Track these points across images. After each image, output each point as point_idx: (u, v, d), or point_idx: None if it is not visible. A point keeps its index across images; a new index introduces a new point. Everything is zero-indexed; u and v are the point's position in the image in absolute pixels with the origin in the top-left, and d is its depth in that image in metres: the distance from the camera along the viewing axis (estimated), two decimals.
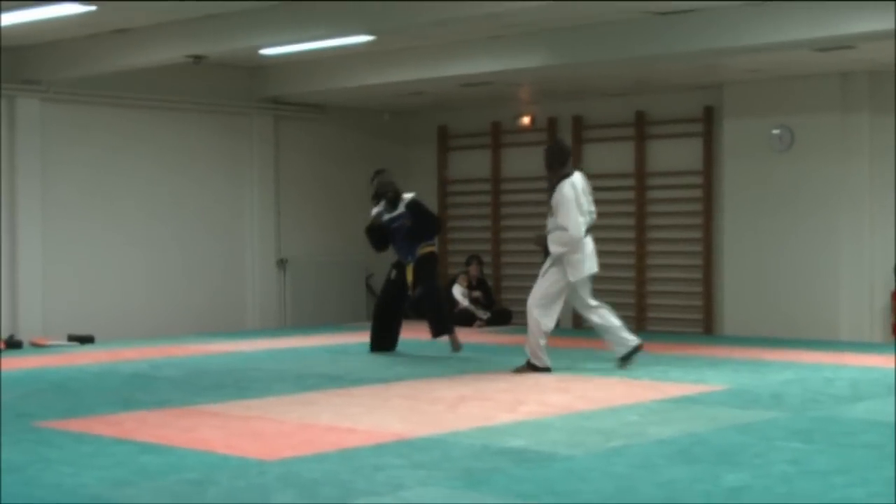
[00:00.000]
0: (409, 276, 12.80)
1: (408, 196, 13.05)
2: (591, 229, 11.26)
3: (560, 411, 8.66)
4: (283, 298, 16.68)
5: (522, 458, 6.83)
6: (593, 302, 11.32)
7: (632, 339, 11.21)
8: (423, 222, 12.89)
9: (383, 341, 13.02)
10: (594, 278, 11.41)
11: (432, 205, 18.05)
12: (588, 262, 11.19)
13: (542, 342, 11.05)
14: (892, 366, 11.63)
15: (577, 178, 11.13)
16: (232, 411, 8.72)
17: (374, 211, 13.09)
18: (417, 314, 13.42)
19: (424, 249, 12.83)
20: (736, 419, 8.29)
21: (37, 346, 13.67)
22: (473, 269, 16.91)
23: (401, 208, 12.88)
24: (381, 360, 12.36)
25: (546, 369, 11.00)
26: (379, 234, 13.04)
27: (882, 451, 7.06)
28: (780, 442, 7.37)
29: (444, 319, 12.88)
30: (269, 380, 10.61)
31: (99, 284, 14.73)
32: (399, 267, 12.98)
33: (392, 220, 12.90)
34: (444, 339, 12.83)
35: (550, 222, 11.15)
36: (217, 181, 16.02)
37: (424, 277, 12.80)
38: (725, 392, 9.73)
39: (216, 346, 13.84)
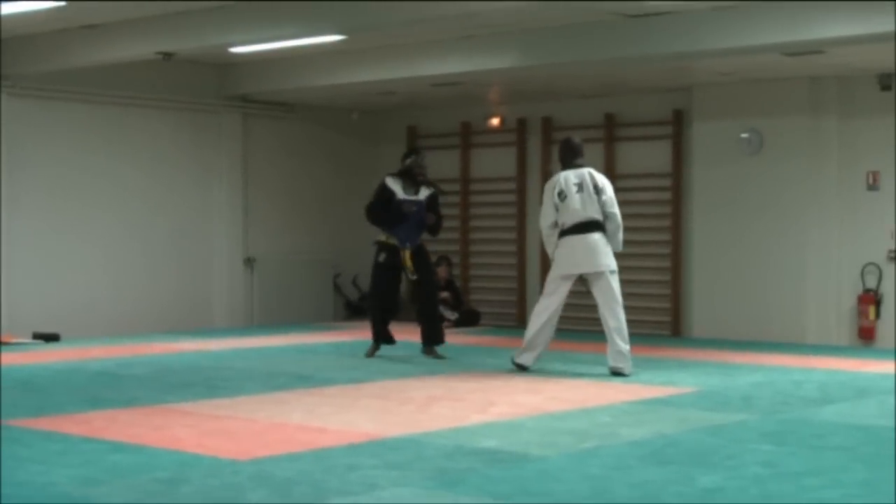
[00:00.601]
0: (408, 262, 12.25)
1: (429, 189, 12.50)
2: (587, 226, 11.04)
3: (532, 412, 8.66)
4: (250, 297, 16.61)
5: (495, 459, 6.82)
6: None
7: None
8: (434, 219, 12.43)
9: (388, 335, 12.49)
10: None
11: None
12: (569, 259, 11.05)
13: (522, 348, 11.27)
14: (860, 369, 11.72)
15: (570, 175, 11.07)
16: (202, 410, 8.67)
17: (390, 184, 12.42)
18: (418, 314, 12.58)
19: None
20: (707, 421, 8.30)
21: (1, 343, 13.55)
22: (443, 271, 16.87)
23: (422, 196, 12.34)
24: (350, 359, 12.31)
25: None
26: (388, 211, 12.33)
27: (853, 454, 7.09)
28: (751, 444, 7.39)
29: (440, 329, 12.53)
30: (238, 378, 10.56)
31: (64, 282, 14.62)
32: (390, 250, 12.35)
33: (409, 202, 12.30)
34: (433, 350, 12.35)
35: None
36: (185, 179, 15.93)
37: (427, 275, 12.45)
38: (695, 394, 9.76)
39: (183, 344, 13.76)
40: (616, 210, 11.10)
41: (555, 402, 9.19)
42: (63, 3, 11.37)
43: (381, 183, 12.57)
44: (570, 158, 11.28)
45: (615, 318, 10.93)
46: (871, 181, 14.20)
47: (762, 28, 11.65)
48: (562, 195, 10.99)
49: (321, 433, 7.70)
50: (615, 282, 11.05)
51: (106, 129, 15.09)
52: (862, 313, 14.13)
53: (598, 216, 11.02)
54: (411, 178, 12.41)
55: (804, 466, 6.67)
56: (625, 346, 10.85)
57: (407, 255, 12.27)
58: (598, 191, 11.02)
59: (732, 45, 11.97)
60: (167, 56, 12.99)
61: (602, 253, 11.00)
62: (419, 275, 12.33)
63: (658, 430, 7.88)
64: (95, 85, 14.75)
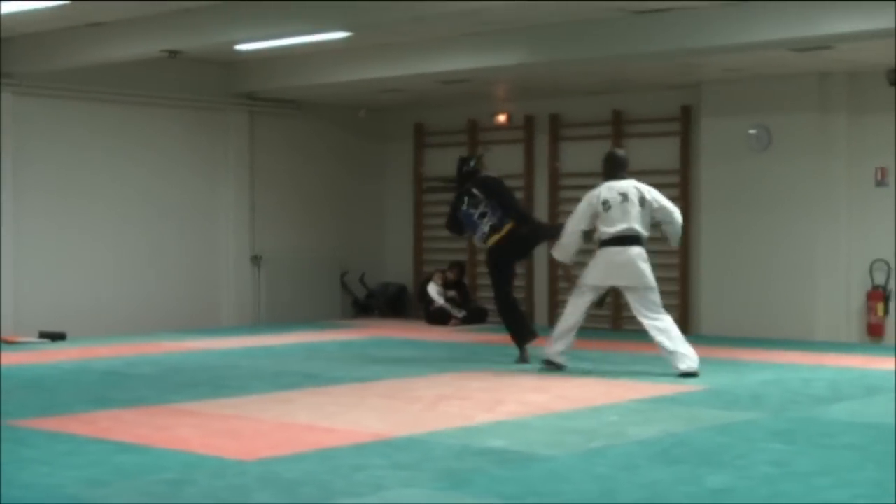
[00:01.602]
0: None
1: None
2: (627, 240, 10.95)
3: (539, 411, 8.61)
4: (257, 295, 16.58)
5: (503, 459, 6.78)
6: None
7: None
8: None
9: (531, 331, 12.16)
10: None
11: (408, 202, 18.06)
12: (606, 271, 10.99)
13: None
14: (870, 366, 11.66)
15: (615, 185, 10.98)
16: (208, 410, 8.64)
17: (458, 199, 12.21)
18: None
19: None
20: (716, 420, 8.25)
21: (8, 343, 13.52)
22: (453, 274, 16.87)
23: (482, 206, 11.95)
24: (358, 358, 12.27)
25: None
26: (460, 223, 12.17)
27: (863, 453, 7.04)
28: (761, 443, 7.34)
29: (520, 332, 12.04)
30: (245, 378, 10.53)
31: (71, 281, 14.60)
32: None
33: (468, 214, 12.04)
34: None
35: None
36: (191, 177, 15.90)
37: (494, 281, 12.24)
38: (705, 392, 9.70)
39: (190, 343, 13.73)
40: (668, 207, 11.13)
41: (563, 401, 9.14)
42: (66, 2, 11.33)
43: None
44: (615, 171, 11.14)
45: (653, 326, 10.82)
46: (879, 177, 14.14)
47: (770, 24, 11.59)
48: (606, 204, 10.86)
49: (328, 433, 7.66)
50: (653, 294, 10.93)
51: (112, 127, 15.06)
52: (871, 310, 14.07)
53: (640, 229, 10.94)
54: (481, 184, 12.13)
55: (814, 466, 6.61)
56: (672, 346, 10.69)
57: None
58: (642, 203, 10.91)
59: (740, 41, 11.92)
60: (173, 54, 12.96)
61: (640, 268, 10.91)
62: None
63: (666, 428, 7.83)
64: (101, 83, 14.72)
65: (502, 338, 14.04)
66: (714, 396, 9.45)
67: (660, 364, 11.52)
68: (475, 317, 16.60)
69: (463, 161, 12.57)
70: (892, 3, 10.77)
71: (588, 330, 15.11)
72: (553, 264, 16.52)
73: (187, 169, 15.84)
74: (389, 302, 17.87)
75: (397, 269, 18.22)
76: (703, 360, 11.14)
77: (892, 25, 10.93)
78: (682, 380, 10.40)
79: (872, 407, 8.96)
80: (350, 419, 8.23)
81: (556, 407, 8.83)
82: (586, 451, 7.07)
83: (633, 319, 15.67)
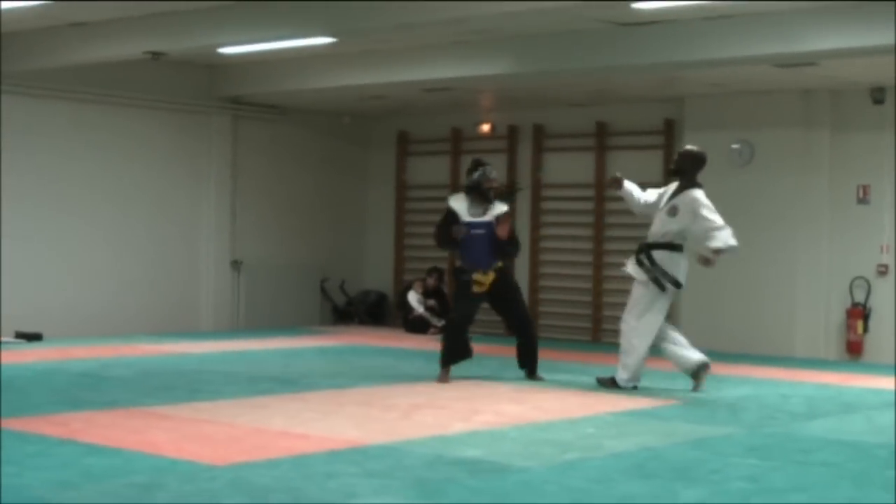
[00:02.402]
0: (485, 283, 11.06)
1: (502, 207, 11.28)
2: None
3: (515, 422, 8.56)
4: (236, 300, 16.51)
5: (477, 469, 6.72)
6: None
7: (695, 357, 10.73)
8: (507, 241, 11.27)
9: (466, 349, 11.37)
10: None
11: (390, 210, 18.00)
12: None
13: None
14: (848, 384, 11.65)
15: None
16: (182, 414, 8.57)
17: (453, 205, 11.28)
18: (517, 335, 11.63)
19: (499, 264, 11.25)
20: (692, 434, 8.22)
21: None
22: (433, 280, 16.81)
23: (490, 216, 11.13)
24: (335, 365, 12.21)
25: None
26: (450, 235, 11.16)
27: (839, 470, 7.01)
28: (736, 458, 7.30)
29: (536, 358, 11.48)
30: (220, 382, 10.46)
31: (49, 281, 14.50)
32: (468, 276, 11.12)
33: (476, 225, 11.14)
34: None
35: (663, 222, 10.64)
36: (173, 180, 15.82)
37: (514, 302, 11.43)
38: (681, 406, 9.67)
39: (168, 346, 13.66)
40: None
41: (539, 412, 9.10)
42: (50, 2, 11.27)
43: (447, 208, 11.38)
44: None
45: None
46: (861, 195, 14.14)
47: (755, 39, 11.60)
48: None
49: (302, 439, 7.60)
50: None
51: (93, 128, 14.97)
52: (850, 327, 14.07)
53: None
54: (480, 194, 11.18)
55: (789, 482, 6.58)
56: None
57: (485, 278, 11.04)
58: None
59: (725, 55, 11.92)
60: (156, 56, 12.90)
61: None
62: (504, 301, 11.33)
63: (642, 442, 7.79)
64: (83, 83, 14.64)
65: (480, 347, 13.99)
66: (691, 411, 9.42)
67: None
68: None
69: (477, 166, 11.37)
70: (877, 21, 10.79)
71: (567, 342, 15.18)
72: (534, 276, 16.52)
73: (169, 172, 15.76)
74: (369, 310, 17.81)
75: (378, 276, 18.16)
76: (682, 374, 11.13)
77: (876, 43, 10.95)
78: (660, 393, 10.36)
79: (849, 425, 8.95)
80: (324, 426, 8.17)
81: (532, 418, 8.79)
82: (561, 463, 7.02)
83: (612, 332, 15.74)
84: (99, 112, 14.99)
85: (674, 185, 10.78)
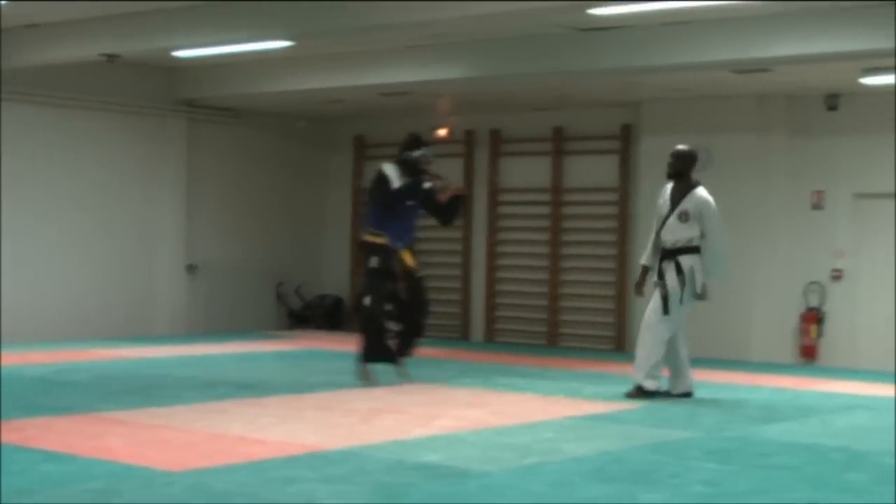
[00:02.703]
0: (409, 261, 10.83)
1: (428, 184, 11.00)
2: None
3: (475, 426, 8.55)
4: (192, 304, 16.41)
5: (437, 474, 6.70)
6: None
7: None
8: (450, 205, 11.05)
9: (389, 351, 10.98)
10: None
11: (347, 214, 17.94)
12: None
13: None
14: (803, 388, 11.73)
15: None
16: (138, 419, 8.49)
17: (388, 172, 10.81)
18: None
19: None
20: (651, 438, 8.23)
21: None
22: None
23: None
24: (292, 370, 12.16)
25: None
26: (396, 199, 10.74)
27: (798, 474, 7.05)
28: (695, 462, 7.32)
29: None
30: (177, 387, 10.38)
31: (4, 285, 14.34)
32: (383, 252, 10.75)
33: (406, 194, 10.80)
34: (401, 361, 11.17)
35: (676, 231, 10.41)
36: (128, 183, 15.70)
37: (422, 281, 11.09)
38: (640, 410, 9.69)
39: (124, 351, 13.54)
40: None
41: (498, 417, 9.08)
42: (4, 2, 11.17)
43: (379, 169, 10.96)
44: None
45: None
46: (815, 200, 14.25)
47: (712, 45, 11.68)
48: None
49: (260, 445, 7.55)
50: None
51: (48, 131, 14.84)
52: (805, 331, 14.17)
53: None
54: (415, 173, 10.84)
55: (749, 486, 6.60)
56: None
57: (406, 255, 10.87)
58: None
59: (682, 60, 12.00)
60: (111, 58, 12.81)
61: None
62: (414, 279, 10.96)
63: (601, 446, 7.80)
64: (39, 86, 14.50)
65: (438, 351, 14.00)
66: (649, 414, 9.43)
67: (596, 381, 11.55)
68: None
69: (417, 143, 10.98)
70: (832, 28, 10.88)
71: (523, 346, 15.19)
72: (490, 281, 16.52)
73: (124, 175, 15.64)
74: (325, 314, 17.75)
75: (334, 280, 18.10)
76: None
77: (832, 50, 11.06)
78: (618, 397, 10.36)
79: (806, 428, 9.00)
80: (283, 431, 8.13)
81: (492, 422, 8.77)
82: (521, 467, 7.01)
83: (569, 336, 15.80)
84: (53, 115, 14.85)
85: (670, 187, 10.57)
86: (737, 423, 9.11)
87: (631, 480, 6.66)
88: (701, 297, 10.35)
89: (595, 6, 10.38)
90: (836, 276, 14.10)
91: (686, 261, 10.31)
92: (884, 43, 10.74)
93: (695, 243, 10.35)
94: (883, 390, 11.66)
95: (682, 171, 10.57)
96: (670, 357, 10.45)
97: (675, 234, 10.37)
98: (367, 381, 10.79)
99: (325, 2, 11.13)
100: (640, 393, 10.29)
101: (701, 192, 10.43)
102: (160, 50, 12.92)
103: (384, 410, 9.27)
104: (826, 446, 8.08)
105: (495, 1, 10.17)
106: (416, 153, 10.90)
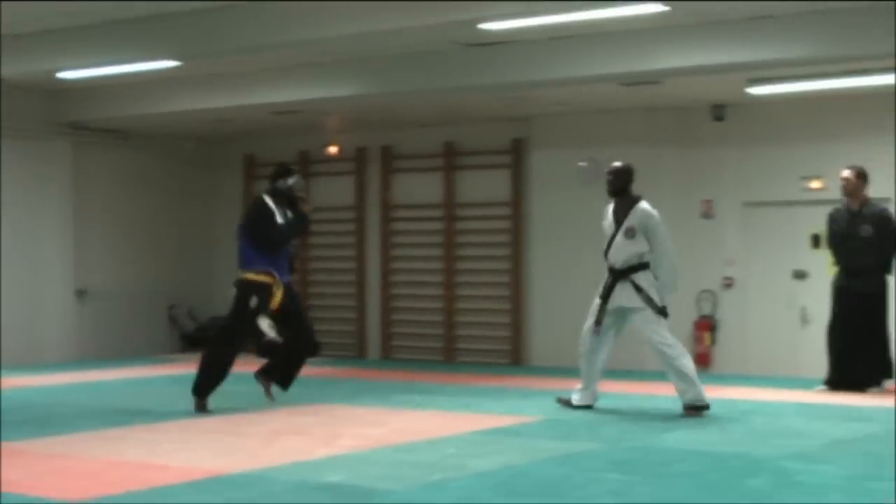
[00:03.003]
0: (279, 299, 10.45)
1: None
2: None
3: (378, 444, 8.50)
4: (82, 330, 16.12)
5: (342, 493, 6.66)
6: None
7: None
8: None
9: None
10: None
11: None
12: None
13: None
14: None
15: None
16: (34, 449, 8.30)
17: (270, 204, 10.45)
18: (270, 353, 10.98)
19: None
20: (554, 451, 8.25)
21: None
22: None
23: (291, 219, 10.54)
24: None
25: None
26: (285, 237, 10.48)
27: (699, 480, 7.12)
28: (599, 473, 7.35)
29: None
30: (72, 415, 10.18)
31: None
32: (263, 291, 10.44)
33: (286, 227, 10.49)
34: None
35: (623, 250, 10.33)
36: (12, 208, 15.34)
37: (303, 311, 10.98)
38: (541, 423, 9.73)
39: (13, 380, 13.23)
40: None
41: (400, 434, 9.05)
42: None
43: (259, 201, 10.58)
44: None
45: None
46: (705, 210, 14.46)
47: (601, 58, 11.82)
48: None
49: (162, 471, 7.42)
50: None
51: None
52: (698, 339, 14.36)
53: None
54: (290, 202, 10.61)
55: (653, 495, 6.65)
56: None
57: (279, 293, 10.47)
58: None
59: (571, 74, 12.12)
60: None
61: None
62: (295, 312, 10.67)
63: (505, 460, 7.80)
64: None
65: (335, 370, 13.93)
66: (551, 427, 9.48)
67: (495, 395, 11.58)
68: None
69: (288, 172, 10.85)
70: (720, 40, 11.07)
71: (420, 362, 15.17)
72: (385, 298, 16.50)
73: (7, 200, 15.27)
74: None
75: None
76: (537, 391, 11.19)
77: (720, 61, 11.25)
78: (518, 411, 10.42)
79: (704, 435, 9.09)
80: (184, 456, 8.00)
81: (394, 440, 8.74)
82: (426, 484, 6.98)
83: (465, 351, 15.83)
84: None
85: (612, 206, 10.49)
86: (636, 433, 9.19)
87: (537, 493, 6.67)
88: (663, 312, 10.28)
89: (486, 21, 10.41)
90: (728, 283, 14.33)
91: (642, 279, 10.26)
92: (770, 54, 10.98)
93: (645, 259, 10.32)
94: (775, 395, 11.89)
95: (622, 188, 10.53)
96: (591, 369, 10.47)
97: (624, 252, 10.30)
98: (204, 411, 10.28)
99: (213, 21, 11.04)
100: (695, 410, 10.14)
101: (644, 205, 10.43)
102: (45, 72, 12.70)
103: (284, 432, 9.18)
104: (725, 453, 8.18)
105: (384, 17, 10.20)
106: (290, 181, 10.69)
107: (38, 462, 7.76)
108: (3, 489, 6.75)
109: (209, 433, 9.13)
